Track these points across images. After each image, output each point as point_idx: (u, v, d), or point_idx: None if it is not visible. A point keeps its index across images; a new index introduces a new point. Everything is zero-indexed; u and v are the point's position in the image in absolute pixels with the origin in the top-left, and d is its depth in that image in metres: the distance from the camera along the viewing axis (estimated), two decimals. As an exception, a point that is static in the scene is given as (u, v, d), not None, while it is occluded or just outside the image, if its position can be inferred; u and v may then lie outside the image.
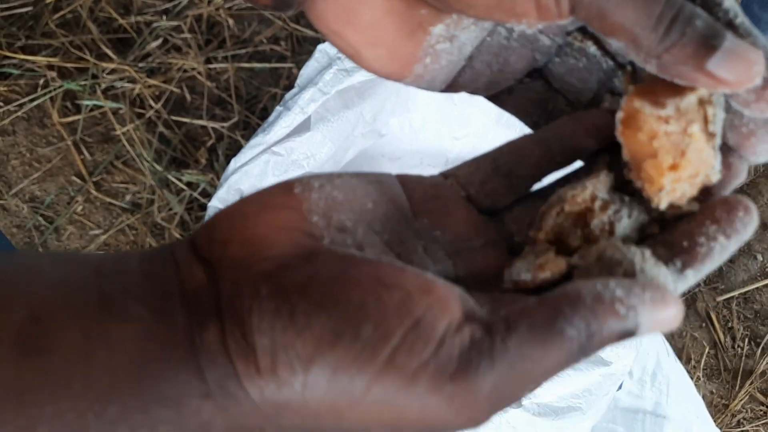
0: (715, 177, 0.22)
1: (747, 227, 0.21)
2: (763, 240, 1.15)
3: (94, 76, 1.37)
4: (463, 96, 0.25)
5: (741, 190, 1.19)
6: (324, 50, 0.71)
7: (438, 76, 0.23)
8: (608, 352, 0.49)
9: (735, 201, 0.21)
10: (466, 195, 0.23)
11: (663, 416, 0.91)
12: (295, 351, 0.19)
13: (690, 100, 0.20)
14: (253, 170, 0.72)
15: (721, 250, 0.21)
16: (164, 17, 1.43)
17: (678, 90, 0.20)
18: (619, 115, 0.21)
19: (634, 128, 0.20)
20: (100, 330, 0.19)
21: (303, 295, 0.19)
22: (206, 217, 1.06)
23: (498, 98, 0.25)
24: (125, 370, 0.19)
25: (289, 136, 0.74)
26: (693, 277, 0.21)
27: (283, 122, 0.73)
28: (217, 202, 0.75)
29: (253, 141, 0.74)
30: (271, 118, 0.74)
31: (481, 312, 0.20)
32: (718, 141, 0.21)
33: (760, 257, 1.14)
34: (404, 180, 0.23)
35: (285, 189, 0.21)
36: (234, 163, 0.74)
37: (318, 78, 0.69)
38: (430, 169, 0.70)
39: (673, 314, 0.19)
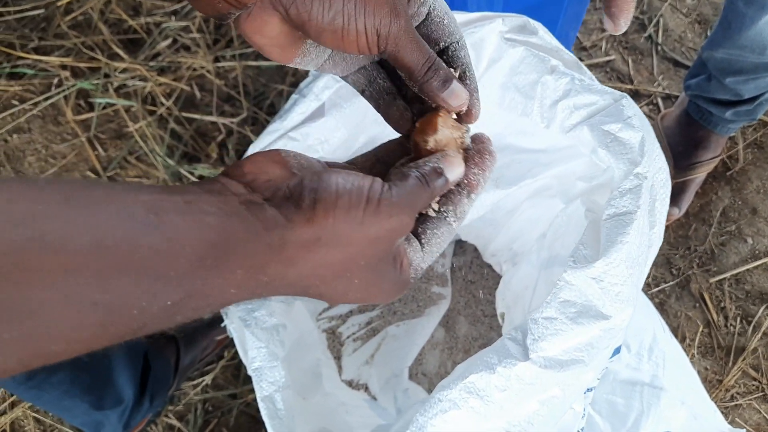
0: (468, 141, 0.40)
1: (493, 159, 0.40)
2: (753, 224, 1.19)
3: (107, 75, 1.40)
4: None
5: (732, 177, 1.23)
6: (337, 40, 0.74)
7: (309, 64, 0.40)
8: (608, 308, 0.53)
9: (483, 143, 0.40)
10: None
11: (660, 388, 0.95)
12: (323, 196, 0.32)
13: (443, 133, 0.39)
14: (271, 155, 0.75)
15: (483, 179, 0.39)
16: (173, 18, 1.47)
17: (435, 128, 0.39)
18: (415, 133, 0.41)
19: (419, 140, 0.40)
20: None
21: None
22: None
23: (345, 78, 0.42)
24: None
25: (304, 122, 0.76)
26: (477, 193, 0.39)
27: (299, 109, 0.76)
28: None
29: (271, 127, 0.77)
30: (287, 105, 0.77)
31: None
32: (467, 136, 0.40)
33: (750, 240, 1.18)
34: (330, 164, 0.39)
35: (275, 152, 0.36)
36: (253, 148, 0.77)
37: (332, 66, 0.73)
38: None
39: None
